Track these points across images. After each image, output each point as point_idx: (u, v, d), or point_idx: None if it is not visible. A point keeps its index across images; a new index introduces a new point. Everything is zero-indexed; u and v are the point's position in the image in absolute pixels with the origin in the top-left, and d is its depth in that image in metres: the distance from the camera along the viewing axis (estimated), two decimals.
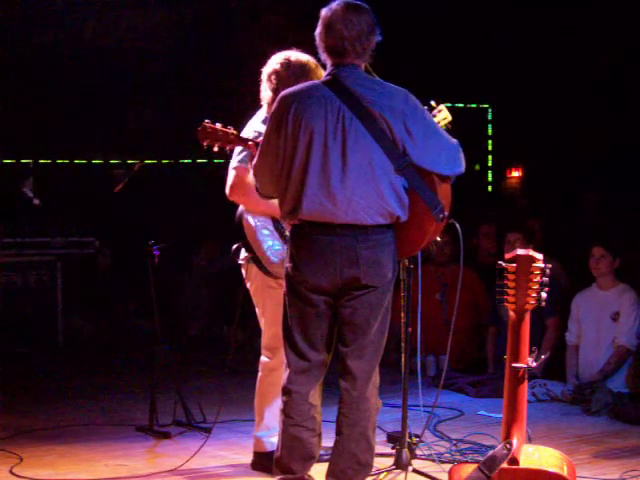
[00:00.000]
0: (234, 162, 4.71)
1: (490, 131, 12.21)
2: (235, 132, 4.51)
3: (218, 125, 4.47)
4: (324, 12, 4.03)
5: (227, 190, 4.71)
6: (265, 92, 4.71)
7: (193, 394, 6.28)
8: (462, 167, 4.11)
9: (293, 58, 4.68)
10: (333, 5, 4.02)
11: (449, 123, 4.39)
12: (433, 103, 4.42)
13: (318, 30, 4.05)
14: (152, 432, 5.68)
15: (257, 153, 4.17)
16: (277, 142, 4.02)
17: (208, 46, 10.74)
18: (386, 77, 4.12)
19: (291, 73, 4.62)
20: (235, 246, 4.84)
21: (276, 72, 4.67)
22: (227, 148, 4.51)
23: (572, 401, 6.50)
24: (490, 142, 12.24)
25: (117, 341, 8.94)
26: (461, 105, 11.97)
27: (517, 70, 10.68)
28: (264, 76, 4.73)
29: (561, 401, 6.60)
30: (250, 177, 4.32)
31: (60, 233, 8.78)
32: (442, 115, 4.49)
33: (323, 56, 4.08)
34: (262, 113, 4.78)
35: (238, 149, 4.65)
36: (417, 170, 4.00)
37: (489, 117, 12.24)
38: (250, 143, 4.44)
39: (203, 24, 10.66)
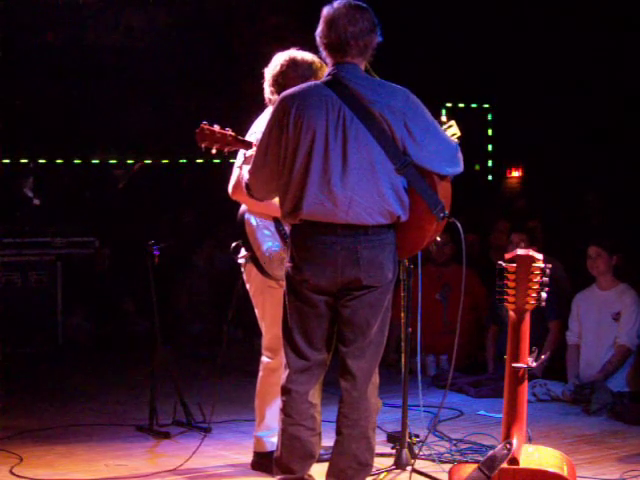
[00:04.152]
0: (238, 161, 4.70)
1: (490, 131, 12.21)
2: (233, 134, 4.51)
3: (216, 127, 4.47)
4: (326, 10, 4.03)
5: (230, 189, 4.70)
6: (272, 95, 4.65)
7: (193, 394, 6.28)
8: (461, 167, 4.12)
9: (299, 58, 4.63)
10: (335, 4, 4.03)
11: (458, 138, 4.37)
12: (443, 118, 4.41)
13: (319, 28, 4.04)
14: (152, 432, 5.68)
15: (255, 154, 4.16)
16: (278, 143, 4.02)
17: (208, 46, 10.75)
18: (387, 77, 4.12)
19: (300, 74, 4.57)
20: (234, 244, 4.82)
21: (282, 73, 4.62)
22: (225, 150, 4.51)
23: (572, 401, 6.50)
24: (490, 142, 12.24)
25: (117, 341, 8.94)
26: (462, 105, 11.98)
27: (517, 70, 10.68)
28: (268, 77, 4.68)
29: (561, 401, 6.60)
30: (244, 177, 4.31)
31: (60, 233, 8.78)
32: (452, 131, 4.44)
33: (324, 54, 4.08)
34: (267, 114, 4.75)
35: (243, 150, 4.64)
36: (417, 169, 4.00)
37: (489, 117, 12.24)
38: (253, 144, 4.44)
39: (203, 24, 10.66)
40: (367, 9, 4.05)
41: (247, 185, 4.20)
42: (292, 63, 4.63)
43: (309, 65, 4.63)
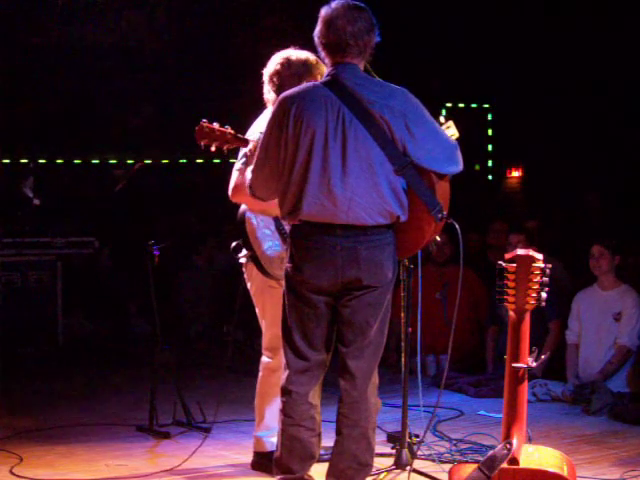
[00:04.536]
0: (237, 164, 4.70)
1: (490, 131, 12.21)
2: (232, 132, 4.51)
3: (215, 125, 4.47)
4: (324, 10, 4.03)
5: (230, 191, 4.70)
6: (269, 94, 4.69)
7: (193, 394, 6.28)
8: (460, 166, 4.12)
9: (293, 57, 4.67)
10: (333, 4, 4.03)
11: (456, 139, 4.36)
12: (442, 119, 4.41)
13: (318, 28, 4.04)
14: (152, 432, 5.67)
15: (255, 155, 4.16)
16: (278, 143, 4.01)
17: (208, 46, 10.76)
18: (387, 77, 4.12)
19: (294, 72, 4.61)
20: (234, 244, 4.82)
21: (278, 73, 4.66)
22: (224, 148, 4.51)
23: (572, 401, 6.50)
24: (490, 142, 12.24)
25: (117, 341, 8.94)
26: (462, 105, 11.98)
27: (517, 70, 10.68)
28: (266, 78, 4.72)
29: (561, 401, 6.60)
30: (247, 177, 4.30)
31: (60, 233, 8.78)
32: (450, 131, 4.43)
33: (322, 54, 4.08)
34: (268, 114, 4.75)
35: (242, 151, 4.65)
36: (417, 170, 4.00)
37: (489, 117, 12.24)
38: (252, 142, 4.44)
39: (203, 24, 10.67)
40: (365, 9, 4.05)
41: (250, 185, 4.20)
42: (286, 62, 4.67)
43: (303, 63, 4.65)
